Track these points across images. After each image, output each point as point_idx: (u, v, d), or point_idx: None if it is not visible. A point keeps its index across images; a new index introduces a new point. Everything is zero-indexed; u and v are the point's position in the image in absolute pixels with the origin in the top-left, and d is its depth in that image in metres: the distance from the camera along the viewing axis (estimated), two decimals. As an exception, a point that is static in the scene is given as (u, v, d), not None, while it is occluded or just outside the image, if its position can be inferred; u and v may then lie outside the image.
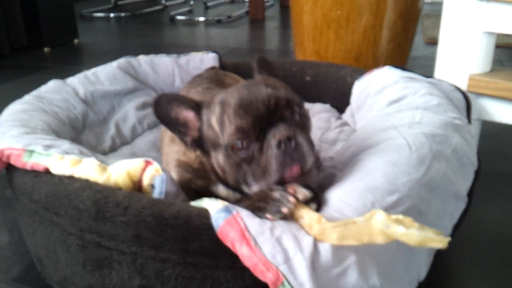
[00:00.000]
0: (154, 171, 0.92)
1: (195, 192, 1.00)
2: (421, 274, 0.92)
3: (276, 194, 0.81)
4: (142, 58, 1.76)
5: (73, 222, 0.88)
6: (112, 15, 5.37)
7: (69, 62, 3.43)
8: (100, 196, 0.84)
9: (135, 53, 1.74)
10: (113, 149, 1.46)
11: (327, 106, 1.75)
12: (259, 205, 0.81)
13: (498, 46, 3.41)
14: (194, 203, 0.86)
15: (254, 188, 0.89)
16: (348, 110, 1.65)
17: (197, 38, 4.36)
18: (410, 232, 0.68)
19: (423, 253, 0.92)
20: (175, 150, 1.11)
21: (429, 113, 1.15)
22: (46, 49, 3.67)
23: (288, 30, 4.51)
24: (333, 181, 1.00)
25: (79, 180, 0.91)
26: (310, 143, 0.90)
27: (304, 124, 0.92)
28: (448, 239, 0.67)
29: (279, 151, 0.83)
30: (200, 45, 3.96)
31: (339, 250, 0.74)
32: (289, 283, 0.70)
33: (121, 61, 1.69)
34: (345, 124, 1.61)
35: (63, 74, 3.01)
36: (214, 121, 0.91)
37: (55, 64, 3.31)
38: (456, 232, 0.99)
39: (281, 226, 0.77)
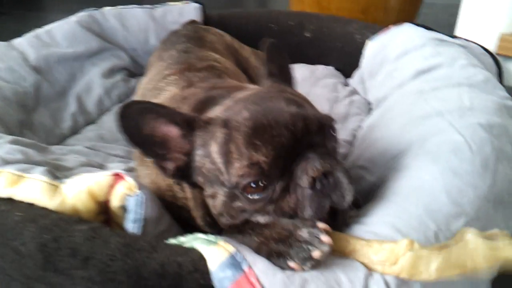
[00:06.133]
0: (126, 189, 0.67)
1: None
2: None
3: (304, 232, 0.59)
4: (108, 10, 1.45)
5: (16, 267, 0.64)
6: None
7: (28, 6, 3.15)
8: (48, 238, 0.59)
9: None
10: (75, 130, 1.22)
11: (330, 69, 1.53)
12: (278, 249, 0.59)
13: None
14: (185, 240, 0.61)
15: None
16: (357, 75, 1.44)
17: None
18: None
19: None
20: (145, 174, 0.85)
21: (477, 92, 0.94)
22: (2, -9, 3.40)
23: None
24: (369, 192, 0.78)
25: (19, 207, 0.65)
26: (347, 172, 0.67)
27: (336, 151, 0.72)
28: None
29: (314, 191, 0.62)
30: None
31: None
32: None
33: (82, 15, 1.38)
34: (354, 92, 1.41)
35: (22, 21, 2.77)
36: (214, 149, 0.67)
37: (12, 9, 3.05)
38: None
39: (315, 281, 0.56)
